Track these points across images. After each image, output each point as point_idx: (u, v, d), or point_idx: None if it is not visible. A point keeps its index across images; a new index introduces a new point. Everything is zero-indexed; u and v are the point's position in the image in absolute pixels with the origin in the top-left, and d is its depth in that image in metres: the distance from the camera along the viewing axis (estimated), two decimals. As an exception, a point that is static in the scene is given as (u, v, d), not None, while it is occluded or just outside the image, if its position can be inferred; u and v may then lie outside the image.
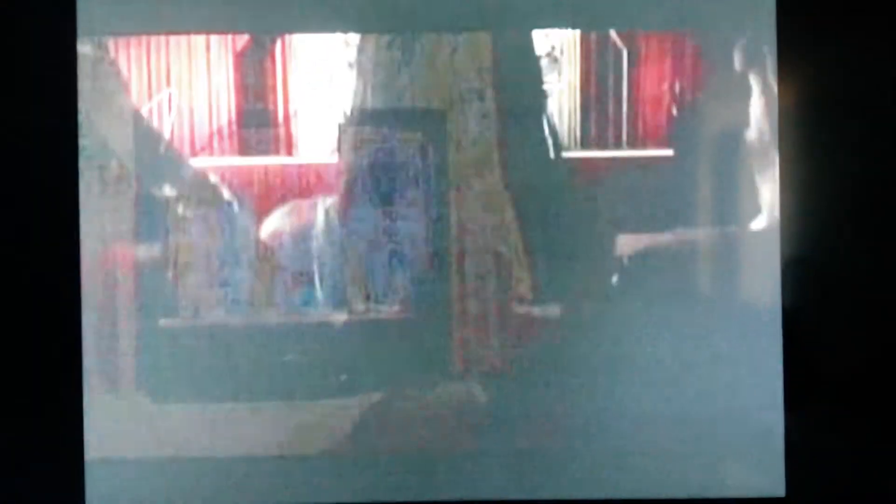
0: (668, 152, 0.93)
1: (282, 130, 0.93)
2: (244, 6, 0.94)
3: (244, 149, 0.94)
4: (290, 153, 0.94)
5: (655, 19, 0.93)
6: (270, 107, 0.93)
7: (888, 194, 0.92)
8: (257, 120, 0.94)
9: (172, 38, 0.93)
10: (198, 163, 0.94)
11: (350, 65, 0.94)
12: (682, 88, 0.93)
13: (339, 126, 0.93)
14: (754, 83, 0.93)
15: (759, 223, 0.93)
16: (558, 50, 0.93)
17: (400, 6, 0.93)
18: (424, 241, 0.92)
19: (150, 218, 0.93)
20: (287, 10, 0.94)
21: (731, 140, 0.93)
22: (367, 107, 0.93)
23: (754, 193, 0.93)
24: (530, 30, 0.94)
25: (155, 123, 0.94)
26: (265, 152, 0.94)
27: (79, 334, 0.92)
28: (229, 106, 0.94)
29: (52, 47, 0.93)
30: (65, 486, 0.92)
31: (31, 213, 0.92)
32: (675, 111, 0.93)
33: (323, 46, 0.94)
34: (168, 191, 0.93)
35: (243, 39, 0.94)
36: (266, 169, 0.93)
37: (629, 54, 0.93)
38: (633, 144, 0.93)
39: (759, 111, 0.93)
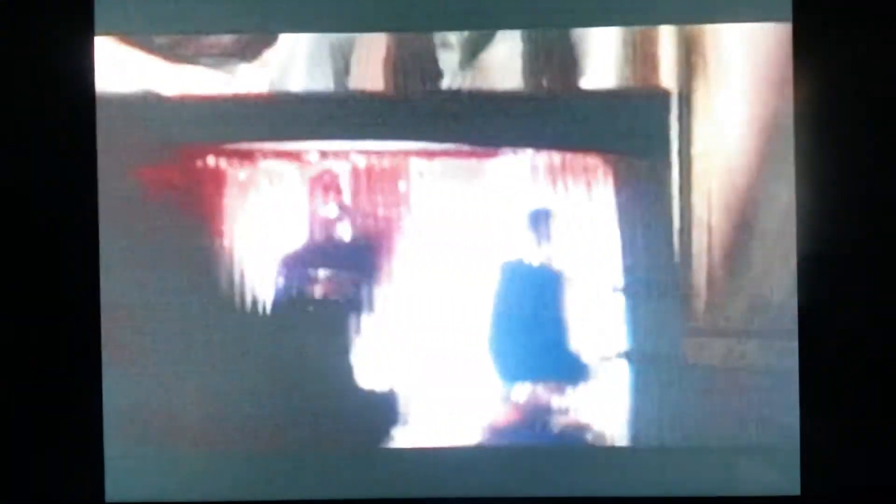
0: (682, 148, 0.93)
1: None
2: (263, 6, 0.94)
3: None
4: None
5: (671, 15, 0.93)
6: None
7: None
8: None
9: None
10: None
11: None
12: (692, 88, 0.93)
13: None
14: (770, 79, 0.92)
15: (775, 222, 0.92)
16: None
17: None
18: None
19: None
20: (305, 7, 0.94)
21: (747, 137, 0.93)
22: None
23: (770, 192, 0.92)
24: (537, 28, 0.94)
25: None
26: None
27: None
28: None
29: (69, 45, 0.94)
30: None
31: (48, 212, 0.94)
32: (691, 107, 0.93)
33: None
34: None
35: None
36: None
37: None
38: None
39: (774, 108, 0.92)
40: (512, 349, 0.94)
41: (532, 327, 0.94)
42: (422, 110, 0.94)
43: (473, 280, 0.94)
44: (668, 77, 0.94)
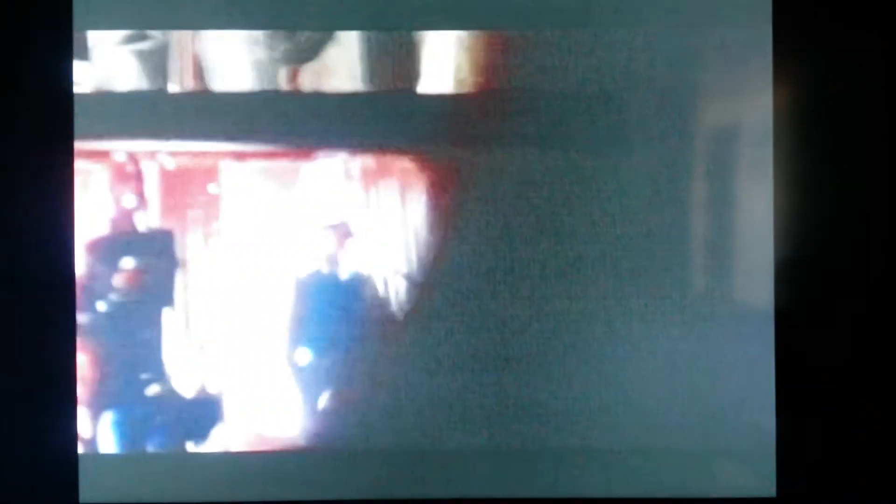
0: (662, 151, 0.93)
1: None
2: (240, 3, 0.94)
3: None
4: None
5: (651, 19, 0.93)
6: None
7: (881, 196, 0.92)
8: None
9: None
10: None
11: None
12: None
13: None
14: (749, 83, 0.93)
15: (752, 224, 0.93)
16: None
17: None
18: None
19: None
20: (286, 5, 0.93)
21: (726, 140, 0.93)
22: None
23: (748, 195, 0.93)
24: (524, 28, 0.93)
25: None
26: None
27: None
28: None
29: (48, 41, 0.93)
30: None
31: (26, 210, 0.93)
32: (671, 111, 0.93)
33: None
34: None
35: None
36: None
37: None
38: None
39: (753, 111, 0.93)
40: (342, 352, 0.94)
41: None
42: (235, 110, 0.93)
43: (287, 283, 0.93)
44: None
